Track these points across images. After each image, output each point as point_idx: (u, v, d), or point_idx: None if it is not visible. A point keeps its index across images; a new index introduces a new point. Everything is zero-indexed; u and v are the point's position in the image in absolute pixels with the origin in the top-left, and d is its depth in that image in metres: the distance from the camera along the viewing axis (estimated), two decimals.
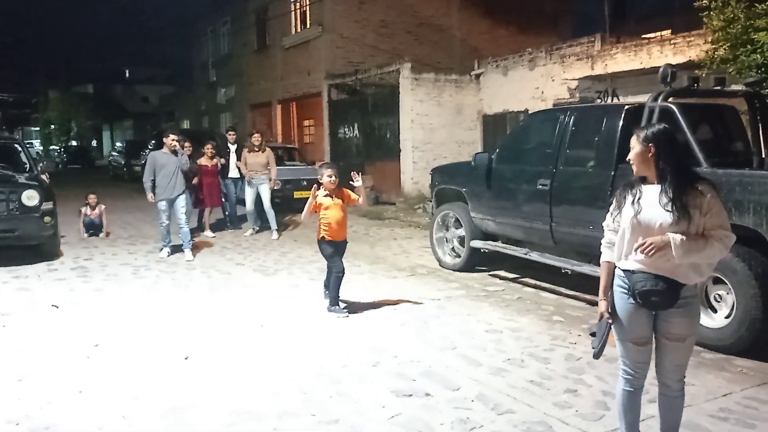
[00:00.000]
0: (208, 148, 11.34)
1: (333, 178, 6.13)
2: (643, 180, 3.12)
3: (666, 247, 2.93)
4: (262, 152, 11.02)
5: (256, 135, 11.20)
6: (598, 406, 4.05)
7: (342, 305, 6.23)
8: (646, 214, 3.02)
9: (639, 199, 3.07)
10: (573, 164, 6.58)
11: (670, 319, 3.07)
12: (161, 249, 9.27)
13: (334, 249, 6.21)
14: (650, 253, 2.95)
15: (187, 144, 10.79)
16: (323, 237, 6.19)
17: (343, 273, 6.25)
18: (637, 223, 3.04)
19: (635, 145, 3.12)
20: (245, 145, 11.24)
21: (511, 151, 7.61)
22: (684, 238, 2.93)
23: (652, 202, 3.02)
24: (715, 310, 5.17)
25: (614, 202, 3.21)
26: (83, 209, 11.25)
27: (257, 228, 11.27)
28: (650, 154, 3.05)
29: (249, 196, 11.04)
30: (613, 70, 11.70)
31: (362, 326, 5.80)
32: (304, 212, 6.24)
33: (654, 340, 3.17)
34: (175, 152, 9.15)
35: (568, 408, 4.05)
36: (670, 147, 3.04)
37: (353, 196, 6.27)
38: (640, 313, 3.10)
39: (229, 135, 12.32)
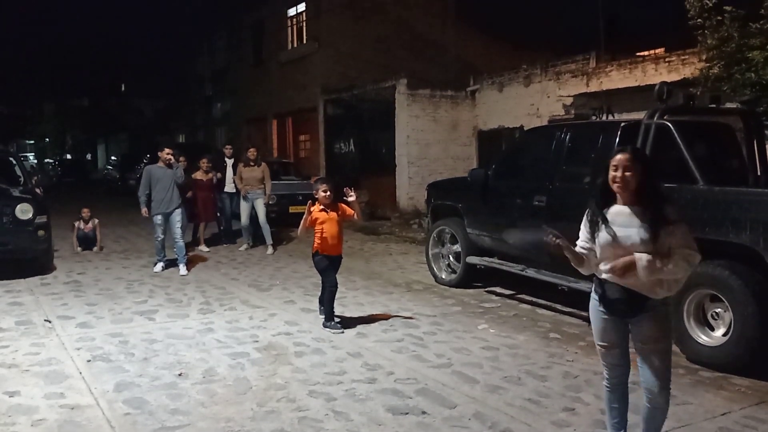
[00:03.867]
0: (204, 162, 11.29)
1: (328, 192, 6.14)
2: (612, 199, 3.29)
3: (632, 266, 3.16)
4: (258, 167, 11.02)
5: (251, 149, 11.18)
6: (596, 425, 4.01)
7: (337, 320, 6.20)
8: (621, 232, 3.21)
9: (608, 221, 3.27)
10: (569, 181, 6.58)
11: (640, 324, 3.28)
12: (156, 263, 9.19)
13: (328, 263, 6.21)
14: (621, 275, 3.20)
15: (181, 158, 10.77)
16: (317, 251, 6.20)
17: (336, 288, 6.26)
18: (612, 240, 3.23)
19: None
20: (241, 160, 11.23)
21: (507, 167, 7.61)
22: (650, 257, 3.12)
23: (624, 222, 3.22)
24: (712, 328, 5.15)
25: (586, 218, 3.40)
26: (77, 223, 11.16)
27: (251, 243, 11.22)
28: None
29: (244, 210, 11.00)
30: (608, 87, 11.75)
31: (357, 343, 5.76)
32: (300, 228, 6.28)
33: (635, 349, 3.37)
34: (170, 165, 9.10)
35: (566, 427, 4.01)
36: (647, 170, 3.23)
37: (348, 210, 6.27)
38: (608, 320, 3.36)
39: (226, 149, 12.30)
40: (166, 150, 9.22)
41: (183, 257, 9.01)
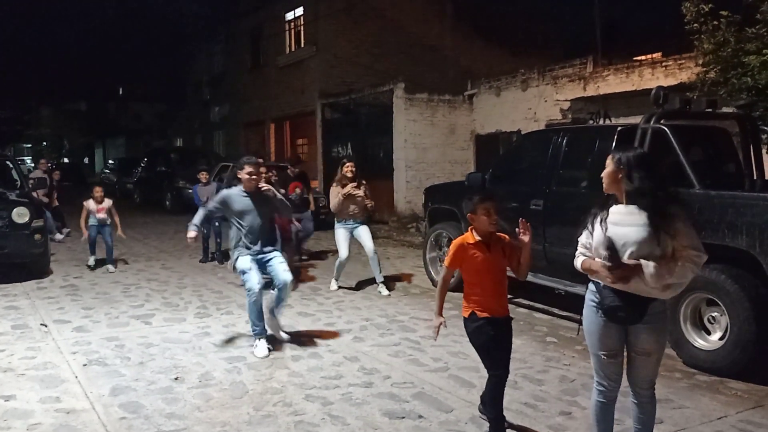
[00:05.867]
0: (272, 175, 8.78)
1: (492, 215, 3.78)
2: (611, 199, 3.24)
3: (637, 273, 3.05)
4: (360, 186, 7.96)
5: (348, 164, 8.07)
6: (592, 429, 4.00)
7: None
8: (617, 233, 3.13)
9: (606, 218, 3.18)
10: (566, 185, 6.60)
11: (639, 334, 3.20)
12: (257, 342, 5.62)
13: (492, 333, 3.83)
14: (623, 281, 3.07)
15: (270, 173, 8.53)
16: (473, 312, 3.86)
17: (506, 375, 3.95)
18: (604, 239, 3.14)
19: (609, 164, 3.24)
20: (335, 180, 8.07)
21: (504, 171, 7.63)
22: (656, 264, 3.04)
23: (621, 222, 3.14)
24: (709, 332, 5.16)
25: (589, 219, 3.29)
26: (87, 204, 9.57)
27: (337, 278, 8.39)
28: (620, 176, 3.17)
29: (343, 242, 7.93)
30: (604, 91, 11.79)
31: (354, 347, 5.75)
32: (439, 287, 4.02)
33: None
34: (259, 192, 5.74)
35: (563, 431, 4.01)
36: (645, 170, 3.14)
37: (516, 251, 3.91)
38: (609, 327, 3.22)
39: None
40: (247, 169, 5.65)
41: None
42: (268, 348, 5.55)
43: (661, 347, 3.26)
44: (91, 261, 9.44)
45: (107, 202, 9.67)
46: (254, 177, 5.71)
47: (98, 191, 9.76)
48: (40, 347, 5.69)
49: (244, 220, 5.69)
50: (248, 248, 5.71)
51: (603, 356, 3.26)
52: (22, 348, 5.66)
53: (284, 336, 5.92)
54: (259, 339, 5.61)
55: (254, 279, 5.58)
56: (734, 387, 4.76)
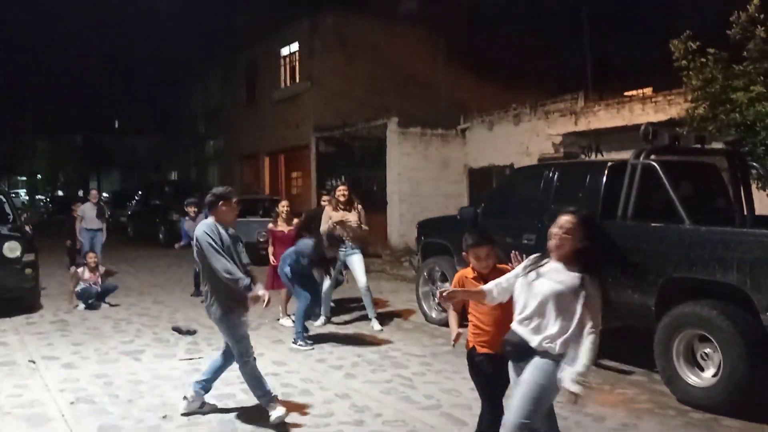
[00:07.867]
0: (284, 206, 8.33)
1: (489, 260, 3.84)
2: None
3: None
4: (353, 210, 7.99)
5: (341, 187, 8.06)
6: None
7: None
8: (540, 282, 3.47)
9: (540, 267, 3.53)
10: None
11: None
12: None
13: (491, 370, 3.74)
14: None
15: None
16: (474, 347, 3.83)
17: (503, 414, 3.62)
18: (527, 287, 3.50)
19: (568, 222, 3.46)
20: (329, 202, 8.20)
21: (496, 205, 7.65)
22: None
23: (552, 277, 3.44)
24: (702, 369, 5.12)
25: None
26: (80, 270, 9.21)
27: (328, 316, 8.16)
28: (570, 236, 3.43)
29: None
30: (596, 126, 11.90)
31: (345, 384, 5.69)
32: (451, 319, 4.00)
33: None
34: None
35: None
36: (589, 238, 3.43)
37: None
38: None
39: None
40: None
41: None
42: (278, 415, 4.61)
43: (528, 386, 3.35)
44: (81, 307, 8.95)
45: (101, 269, 9.35)
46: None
47: (92, 258, 9.34)
48: (27, 384, 5.61)
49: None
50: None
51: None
52: (9, 385, 5.58)
53: None
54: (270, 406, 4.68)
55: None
56: (728, 424, 4.72)
